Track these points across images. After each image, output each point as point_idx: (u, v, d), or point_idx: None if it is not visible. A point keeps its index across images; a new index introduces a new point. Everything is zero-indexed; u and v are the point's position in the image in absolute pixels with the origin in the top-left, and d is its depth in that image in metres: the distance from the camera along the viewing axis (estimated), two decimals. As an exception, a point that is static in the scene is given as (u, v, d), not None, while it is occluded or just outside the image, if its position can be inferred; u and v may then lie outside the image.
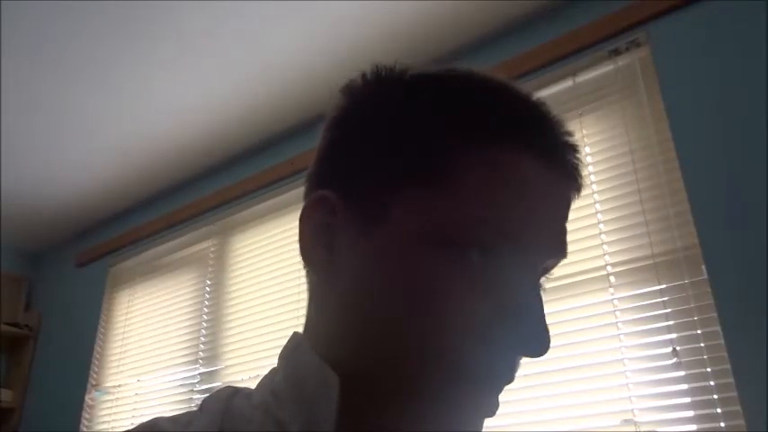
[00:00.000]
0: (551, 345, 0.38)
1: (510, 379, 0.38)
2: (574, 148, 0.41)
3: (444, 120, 0.39)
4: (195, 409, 0.42)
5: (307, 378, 0.40)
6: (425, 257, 0.37)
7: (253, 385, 0.44)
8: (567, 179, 0.41)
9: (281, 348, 0.45)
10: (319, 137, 0.45)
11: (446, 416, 0.37)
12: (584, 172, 0.43)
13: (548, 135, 0.40)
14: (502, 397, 0.39)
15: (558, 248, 0.40)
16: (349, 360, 0.39)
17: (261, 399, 0.41)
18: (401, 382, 0.37)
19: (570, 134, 0.41)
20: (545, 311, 0.38)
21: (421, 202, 0.38)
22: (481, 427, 0.39)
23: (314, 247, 0.41)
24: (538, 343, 0.37)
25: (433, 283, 0.37)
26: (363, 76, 0.44)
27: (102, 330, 2.67)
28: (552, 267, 0.42)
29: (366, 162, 0.41)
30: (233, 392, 0.42)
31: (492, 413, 0.39)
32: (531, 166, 0.38)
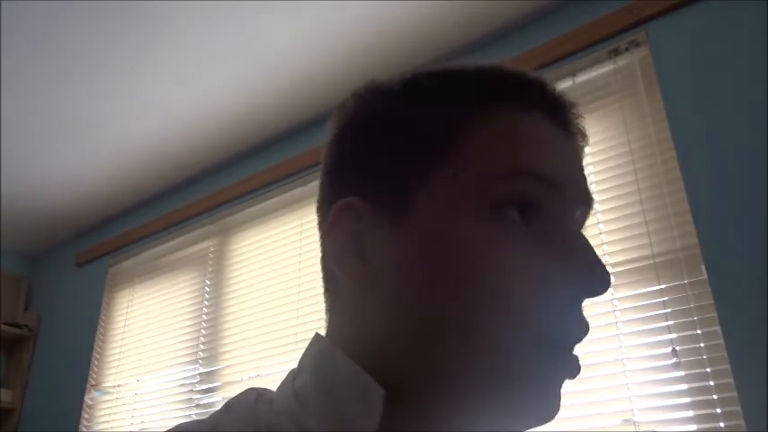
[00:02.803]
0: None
1: (586, 331, 0.37)
2: (573, 106, 0.43)
3: (450, 98, 0.40)
4: (217, 410, 0.40)
5: (340, 387, 0.38)
6: (463, 229, 0.36)
7: (262, 386, 0.43)
8: (575, 134, 0.42)
9: (305, 350, 0.43)
10: (324, 154, 0.45)
11: (528, 388, 0.36)
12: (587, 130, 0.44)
13: (549, 96, 0.41)
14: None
15: (586, 192, 0.41)
16: (393, 367, 0.37)
17: (284, 405, 0.39)
18: (470, 365, 0.35)
19: (566, 95, 0.43)
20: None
21: (445, 178, 0.38)
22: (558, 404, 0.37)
23: (346, 257, 0.40)
24: (600, 278, 0.36)
25: (480, 251, 0.36)
26: (355, 91, 0.44)
27: (102, 330, 2.67)
28: (584, 218, 0.42)
29: (381, 159, 0.40)
30: (257, 397, 0.40)
31: (575, 374, 0.37)
32: (543, 123, 0.40)
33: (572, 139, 0.42)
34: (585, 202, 0.41)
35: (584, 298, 0.37)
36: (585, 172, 0.43)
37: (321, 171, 0.45)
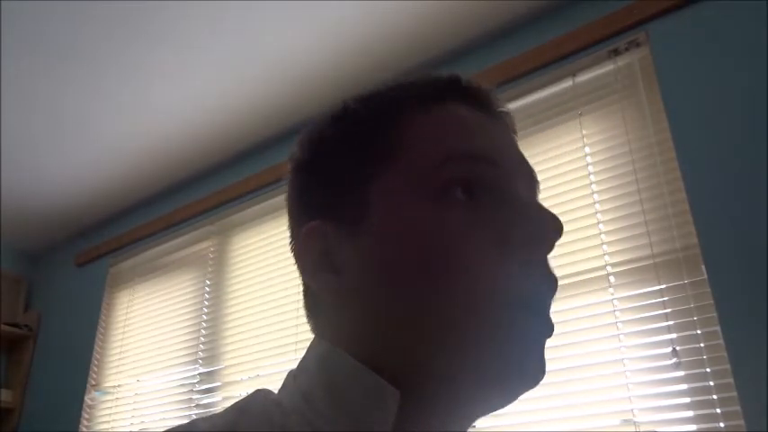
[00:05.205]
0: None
1: (554, 286, 0.40)
2: (491, 92, 0.46)
3: (384, 106, 0.44)
4: (227, 410, 0.40)
5: (349, 388, 0.39)
6: (412, 220, 0.39)
7: (266, 387, 0.43)
8: (500, 116, 0.46)
9: (306, 352, 0.44)
10: (287, 186, 0.49)
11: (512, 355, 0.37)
12: (511, 115, 0.48)
13: (465, 88, 0.45)
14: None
15: (523, 164, 0.44)
16: (385, 368, 0.38)
17: (292, 406, 0.40)
18: (453, 350, 0.37)
19: (481, 84, 0.46)
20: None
21: (389, 180, 0.41)
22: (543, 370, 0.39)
23: (320, 274, 0.42)
24: (551, 226, 0.39)
25: (431, 235, 0.38)
26: (298, 135, 0.48)
27: (102, 330, 2.67)
28: (533, 191, 0.44)
29: (334, 178, 0.43)
30: (265, 398, 0.41)
31: (550, 333, 0.40)
32: (466, 112, 0.43)
33: (497, 120, 0.45)
34: (525, 172, 0.44)
35: (543, 250, 0.40)
36: (519, 147, 0.46)
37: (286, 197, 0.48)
